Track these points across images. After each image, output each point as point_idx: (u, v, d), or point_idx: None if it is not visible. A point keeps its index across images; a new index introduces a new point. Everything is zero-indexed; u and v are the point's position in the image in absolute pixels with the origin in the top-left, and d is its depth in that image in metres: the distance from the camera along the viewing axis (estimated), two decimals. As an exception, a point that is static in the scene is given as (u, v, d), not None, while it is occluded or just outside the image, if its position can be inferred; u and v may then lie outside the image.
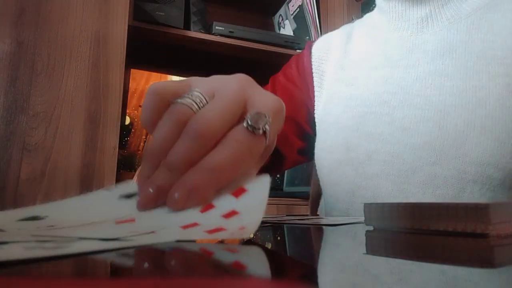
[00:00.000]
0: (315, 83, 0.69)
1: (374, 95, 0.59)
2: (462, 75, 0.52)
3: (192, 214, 0.26)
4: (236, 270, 0.16)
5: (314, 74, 0.69)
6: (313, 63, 0.70)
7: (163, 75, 1.73)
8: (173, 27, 1.61)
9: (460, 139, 0.49)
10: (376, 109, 0.58)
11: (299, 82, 0.71)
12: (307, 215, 0.63)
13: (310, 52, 0.72)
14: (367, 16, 0.70)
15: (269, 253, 0.22)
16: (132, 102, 1.66)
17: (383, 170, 0.55)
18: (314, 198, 0.99)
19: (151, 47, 1.75)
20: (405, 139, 0.54)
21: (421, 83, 0.55)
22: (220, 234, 0.23)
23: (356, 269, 0.17)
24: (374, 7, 0.68)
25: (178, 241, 0.22)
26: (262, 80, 1.95)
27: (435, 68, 0.54)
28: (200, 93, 0.29)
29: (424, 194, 0.51)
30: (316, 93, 0.68)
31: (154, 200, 0.27)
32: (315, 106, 0.68)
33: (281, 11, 2.03)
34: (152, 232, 0.24)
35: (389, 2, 0.62)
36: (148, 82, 1.70)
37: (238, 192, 0.28)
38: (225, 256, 0.19)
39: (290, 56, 1.87)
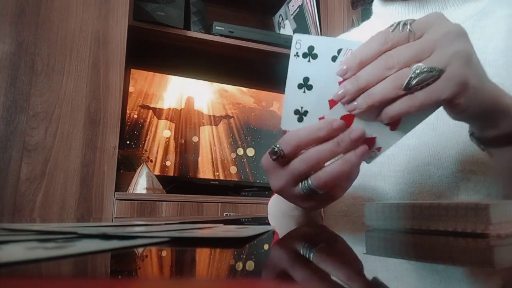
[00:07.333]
0: None
1: None
2: None
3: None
4: (236, 270, 0.16)
5: None
6: None
7: (163, 75, 1.73)
8: (173, 27, 1.61)
9: (453, 139, 0.52)
10: None
11: None
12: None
13: None
14: (365, 23, 0.72)
15: (267, 253, 0.22)
16: (132, 102, 1.65)
17: (380, 171, 0.56)
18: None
19: (151, 47, 1.75)
20: (401, 141, 0.55)
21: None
22: (212, 231, 0.24)
23: (356, 269, 0.17)
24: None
25: (173, 237, 0.22)
26: (262, 80, 1.93)
27: None
28: None
29: (420, 193, 0.53)
30: None
31: None
32: None
33: (281, 11, 2.03)
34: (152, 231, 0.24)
35: (386, 9, 0.64)
36: (148, 82, 1.70)
37: None
38: (223, 256, 0.19)
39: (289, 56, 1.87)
